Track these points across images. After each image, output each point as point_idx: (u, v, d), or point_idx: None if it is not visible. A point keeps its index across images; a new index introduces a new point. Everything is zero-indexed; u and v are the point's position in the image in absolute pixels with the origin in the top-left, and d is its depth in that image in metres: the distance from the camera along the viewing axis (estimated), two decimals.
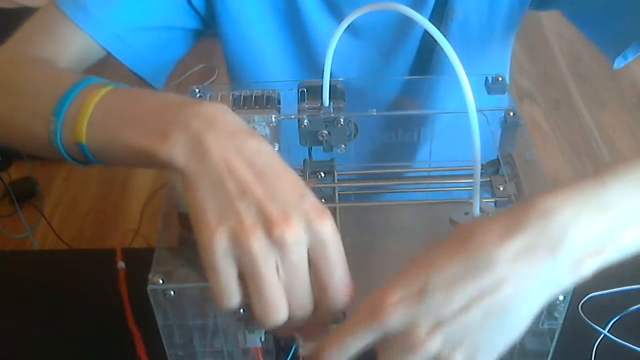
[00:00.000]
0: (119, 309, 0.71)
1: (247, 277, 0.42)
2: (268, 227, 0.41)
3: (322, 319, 0.45)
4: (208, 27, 0.79)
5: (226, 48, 0.80)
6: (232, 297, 0.43)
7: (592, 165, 2.09)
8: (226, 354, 0.54)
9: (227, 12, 0.75)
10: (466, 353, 0.41)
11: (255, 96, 0.61)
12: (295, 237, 0.42)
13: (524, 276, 0.41)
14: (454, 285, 0.40)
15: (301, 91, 0.61)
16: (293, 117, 0.61)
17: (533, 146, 0.60)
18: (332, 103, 0.60)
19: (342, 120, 0.60)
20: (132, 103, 0.50)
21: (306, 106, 0.60)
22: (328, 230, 0.43)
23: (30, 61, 0.63)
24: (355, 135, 0.64)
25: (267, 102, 0.60)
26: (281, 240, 0.41)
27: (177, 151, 0.44)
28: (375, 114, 0.66)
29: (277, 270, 0.42)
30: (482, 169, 0.59)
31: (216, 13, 0.76)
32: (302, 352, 0.50)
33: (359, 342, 0.42)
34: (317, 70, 0.77)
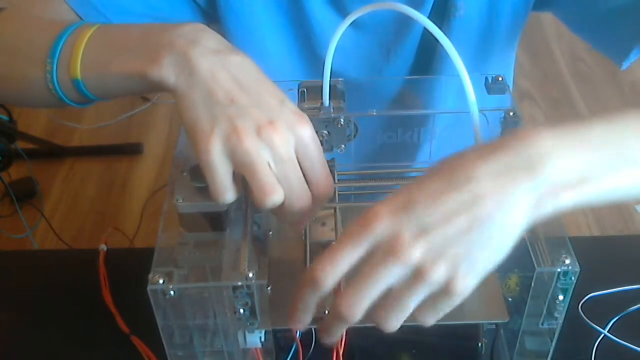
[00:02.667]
0: (119, 309, 0.71)
1: (243, 169, 0.47)
2: (257, 129, 0.47)
3: (313, 210, 0.51)
4: (210, 20, 0.78)
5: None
6: (228, 191, 0.48)
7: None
8: (226, 354, 0.54)
9: (230, 8, 0.75)
10: (448, 264, 0.42)
11: None
12: (282, 138, 0.47)
13: (502, 193, 0.42)
14: (436, 199, 0.43)
15: (301, 91, 0.61)
16: None
17: None
18: (332, 103, 0.60)
19: (342, 120, 0.60)
20: (119, 35, 0.55)
21: (306, 106, 0.60)
22: (307, 132, 0.49)
23: (24, 16, 0.65)
24: (355, 135, 0.64)
25: None
26: (269, 140, 0.47)
27: (166, 70, 0.49)
28: (375, 114, 0.65)
29: (270, 166, 0.47)
30: None
31: (219, 8, 0.75)
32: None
33: (351, 254, 0.44)
34: (320, 65, 0.77)
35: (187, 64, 0.48)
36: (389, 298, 0.43)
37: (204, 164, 0.47)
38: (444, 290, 0.43)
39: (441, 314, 0.44)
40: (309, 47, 0.78)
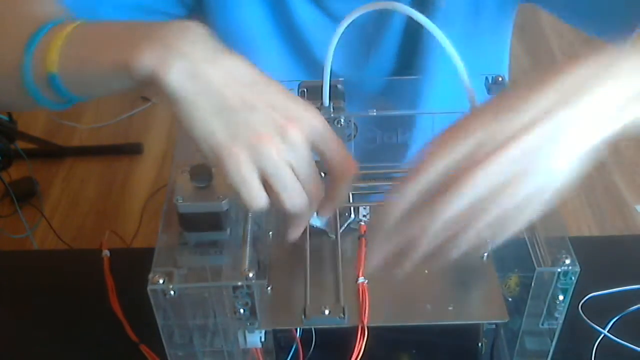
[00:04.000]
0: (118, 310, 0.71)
1: (270, 179, 0.47)
2: (281, 132, 0.46)
3: (342, 192, 0.51)
4: (193, 13, 0.76)
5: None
6: (261, 198, 0.47)
7: (591, 165, 2.09)
8: (226, 354, 0.54)
9: (217, 7, 0.73)
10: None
11: None
12: (303, 135, 0.47)
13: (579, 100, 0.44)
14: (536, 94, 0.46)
15: (301, 91, 0.61)
16: None
17: None
18: (332, 103, 0.60)
19: (342, 120, 0.60)
20: (102, 29, 0.52)
21: None
22: (321, 121, 0.49)
23: (4, 9, 0.60)
24: (355, 135, 0.64)
25: None
26: (294, 141, 0.47)
27: (149, 62, 0.45)
28: (375, 114, 0.66)
29: (292, 167, 0.47)
30: None
31: (206, 7, 0.73)
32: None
33: (464, 141, 0.43)
34: (309, 62, 0.76)
35: (192, 70, 0.45)
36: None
37: (233, 177, 0.46)
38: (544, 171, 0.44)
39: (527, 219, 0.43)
40: (296, 45, 0.77)
